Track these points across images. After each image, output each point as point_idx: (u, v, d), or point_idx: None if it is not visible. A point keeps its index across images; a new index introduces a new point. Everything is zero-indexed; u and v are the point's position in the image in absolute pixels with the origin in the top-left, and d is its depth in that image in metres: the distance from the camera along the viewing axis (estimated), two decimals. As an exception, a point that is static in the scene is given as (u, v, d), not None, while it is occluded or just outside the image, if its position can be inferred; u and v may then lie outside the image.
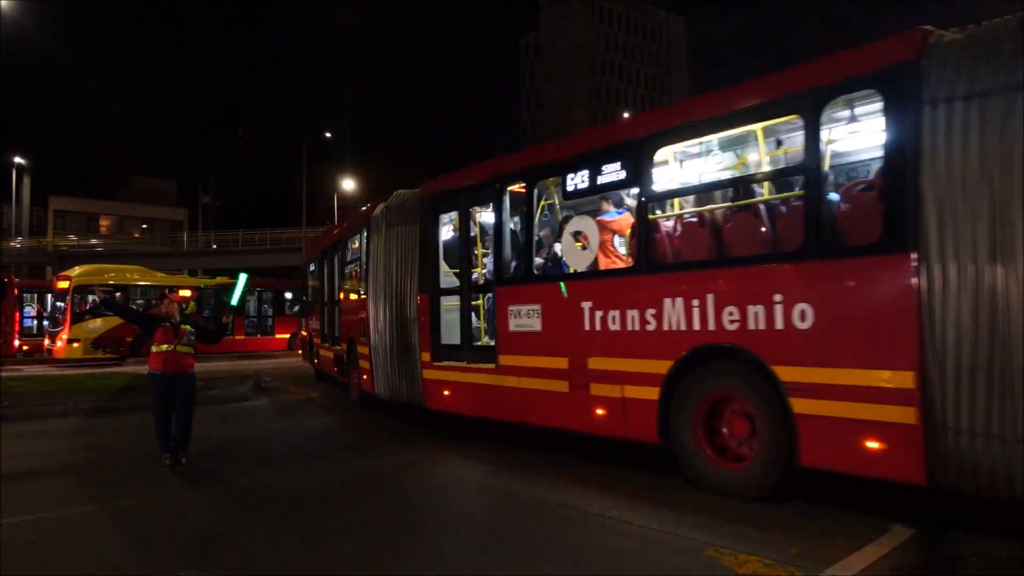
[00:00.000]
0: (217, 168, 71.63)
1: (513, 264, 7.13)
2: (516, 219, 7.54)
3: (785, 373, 4.61)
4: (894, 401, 4.07)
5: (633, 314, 5.65)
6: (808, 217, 4.65)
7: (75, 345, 20.97)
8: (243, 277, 8.37)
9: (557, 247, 6.95)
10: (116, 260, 40.23)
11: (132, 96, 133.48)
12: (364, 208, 10.29)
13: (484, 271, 7.90)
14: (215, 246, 51.46)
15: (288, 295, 27.34)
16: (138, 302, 22.82)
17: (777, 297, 4.69)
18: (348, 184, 50.47)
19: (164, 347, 6.61)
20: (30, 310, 25.68)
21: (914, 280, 3.98)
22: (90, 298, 20.92)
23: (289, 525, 4.71)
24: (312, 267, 15.21)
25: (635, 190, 5.88)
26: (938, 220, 3.87)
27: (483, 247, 8.08)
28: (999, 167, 3.70)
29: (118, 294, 22.53)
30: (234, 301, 9.74)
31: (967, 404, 3.79)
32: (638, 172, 5.74)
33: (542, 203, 7.25)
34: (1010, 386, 3.63)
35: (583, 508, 4.85)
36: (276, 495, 5.55)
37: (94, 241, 56.31)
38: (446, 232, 8.21)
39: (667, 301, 5.38)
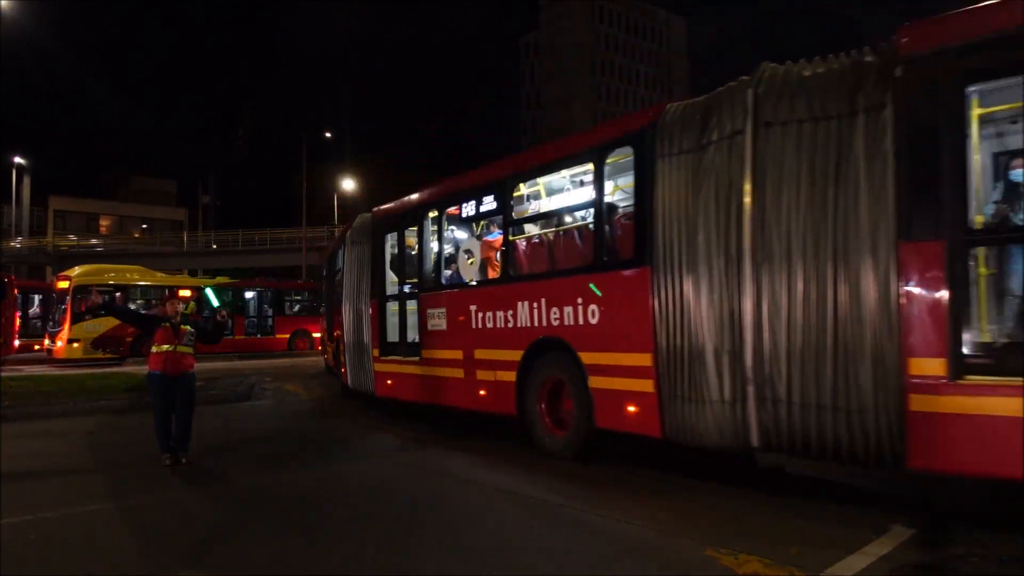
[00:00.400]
0: (217, 168, 71.78)
1: (430, 275, 8.65)
2: (432, 238, 8.76)
3: (585, 358, 6.13)
4: (641, 376, 5.53)
5: (500, 314, 7.23)
6: (595, 240, 6.26)
7: (75, 345, 20.96)
8: (208, 290, 9.71)
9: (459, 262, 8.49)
10: (116, 260, 40.25)
11: (132, 96, 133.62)
12: (344, 225, 11.78)
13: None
14: (215, 246, 51.46)
15: (290, 295, 27.37)
16: (138, 302, 22.81)
17: (579, 300, 6.19)
18: (348, 184, 50.51)
19: (164, 347, 6.61)
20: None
21: (649, 286, 5.43)
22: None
23: (287, 524, 4.72)
24: (324, 273, 16.27)
25: (500, 217, 7.51)
26: (662, 242, 5.32)
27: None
28: (692, 205, 5.13)
29: (118, 294, 22.54)
30: (216, 304, 10.03)
31: (678, 376, 5.23)
32: (502, 203, 7.41)
33: (482, 224, 8.53)
34: (698, 362, 5.07)
35: (582, 507, 4.85)
36: (274, 494, 5.55)
37: (94, 241, 56.29)
38: (390, 249, 9.68)
39: (519, 304, 6.93)
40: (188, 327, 6.78)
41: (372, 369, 9.66)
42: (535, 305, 6.72)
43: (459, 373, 7.83)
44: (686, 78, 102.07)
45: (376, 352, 9.52)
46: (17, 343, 21.73)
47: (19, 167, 47.94)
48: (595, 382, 6.01)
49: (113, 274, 23.67)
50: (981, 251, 4.17)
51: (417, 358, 8.56)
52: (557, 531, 4.44)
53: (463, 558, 3.96)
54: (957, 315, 4.00)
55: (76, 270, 23.16)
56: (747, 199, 4.79)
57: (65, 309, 21.33)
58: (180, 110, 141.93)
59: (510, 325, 7.04)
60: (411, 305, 8.96)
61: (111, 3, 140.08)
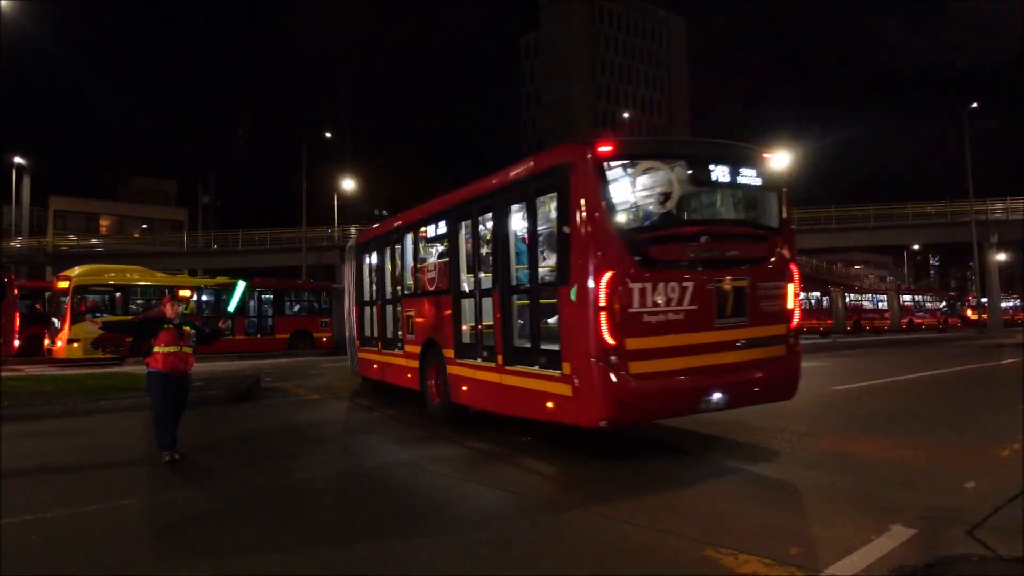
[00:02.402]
0: (217, 168, 71.65)
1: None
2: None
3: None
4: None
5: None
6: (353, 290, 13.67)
7: (75, 345, 20.94)
8: (241, 284, 9.20)
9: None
10: (116, 260, 40.20)
11: (132, 96, 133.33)
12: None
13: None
14: (215, 246, 51.47)
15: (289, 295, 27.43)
16: (138, 302, 22.79)
17: (355, 315, 12.92)
18: (348, 184, 50.47)
19: (171, 348, 6.69)
20: None
21: (358, 313, 12.67)
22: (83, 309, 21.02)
23: (284, 523, 4.72)
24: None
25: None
26: (354, 294, 13.00)
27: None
28: (354, 279, 12.98)
29: (118, 294, 22.53)
30: (231, 308, 10.05)
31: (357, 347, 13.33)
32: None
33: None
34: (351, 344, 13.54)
35: (582, 507, 4.85)
36: (273, 494, 5.56)
37: (94, 241, 56.28)
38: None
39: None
40: (189, 328, 6.85)
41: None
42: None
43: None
44: (686, 78, 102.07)
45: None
46: (17, 343, 21.73)
47: (19, 167, 47.94)
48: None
49: (113, 274, 23.63)
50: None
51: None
52: (556, 529, 4.43)
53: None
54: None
55: (76, 270, 23.13)
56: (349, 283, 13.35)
57: (65, 309, 21.33)
58: (180, 110, 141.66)
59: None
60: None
61: (111, 3, 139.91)
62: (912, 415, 9.11)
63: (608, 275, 5.67)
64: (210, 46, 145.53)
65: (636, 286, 5.76)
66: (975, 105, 39.57)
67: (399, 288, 10.29)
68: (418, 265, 9.53)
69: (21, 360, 21.54)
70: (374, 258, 11.56)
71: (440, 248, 9.09)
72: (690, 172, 6.21)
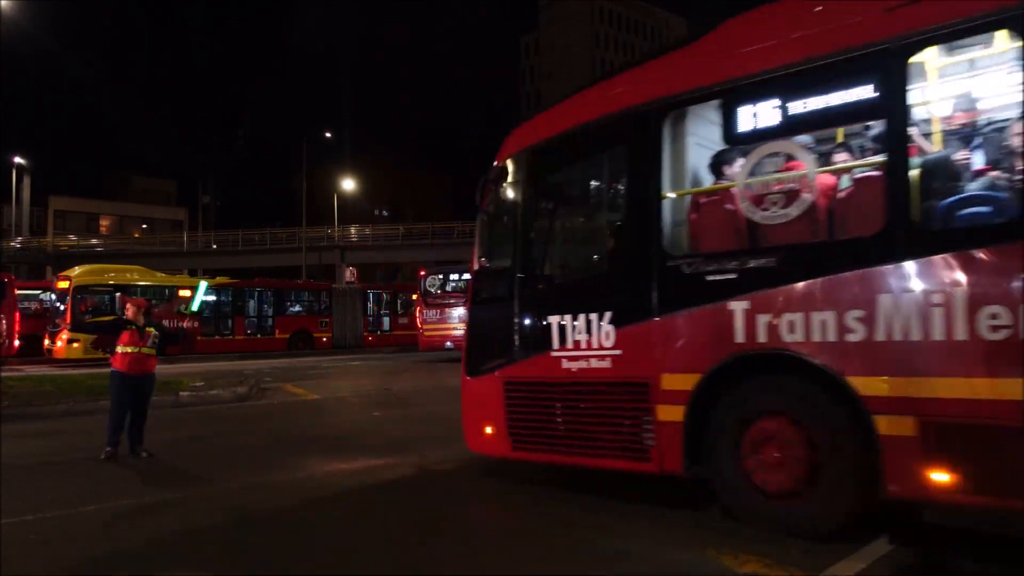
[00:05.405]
0: (217, 168, 71.77)
1: None
2: None
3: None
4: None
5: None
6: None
7: (75, 345, 20.95)
8: (203, 284, 8.95)
9: None
10: (116, 260, 40.27)
11: (133, 96, 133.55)
12: None
13: None
14: (215, 246, 51.47)
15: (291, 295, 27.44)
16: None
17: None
18: (348, 184, 50.51)
19: (130, 349, 6.88)
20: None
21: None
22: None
23: (283, 523, 4.72)
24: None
25: None
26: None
27: None
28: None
29: (118, 295, 22.57)
30: (193, 307, 9.57)
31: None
32: None
33: None
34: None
35: (581, 508, 4.85)
36: (273, 496, 5.56)
37: (94, 241, 56.33)
38: None
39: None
40: (153, 330, 7.06)
41: None
42: None
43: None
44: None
45: None
46: (18, 343, 21.73)
47: (19, 167, 47.95)
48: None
49: (113, 274, 23.66)
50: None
51: None
52: (553, 529, 4.43)
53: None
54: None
55: (76, 270, 23.16)
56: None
57: (65, 309, 21.33)
58: (181, 110, 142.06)
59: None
60: None
61: (112, 3, 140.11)
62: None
63: (419, 307, 22.52)
64: (211, 46, 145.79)
65: (427, 310, 21.65)
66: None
67: None
68: None
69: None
70: None
71: None
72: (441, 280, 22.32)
